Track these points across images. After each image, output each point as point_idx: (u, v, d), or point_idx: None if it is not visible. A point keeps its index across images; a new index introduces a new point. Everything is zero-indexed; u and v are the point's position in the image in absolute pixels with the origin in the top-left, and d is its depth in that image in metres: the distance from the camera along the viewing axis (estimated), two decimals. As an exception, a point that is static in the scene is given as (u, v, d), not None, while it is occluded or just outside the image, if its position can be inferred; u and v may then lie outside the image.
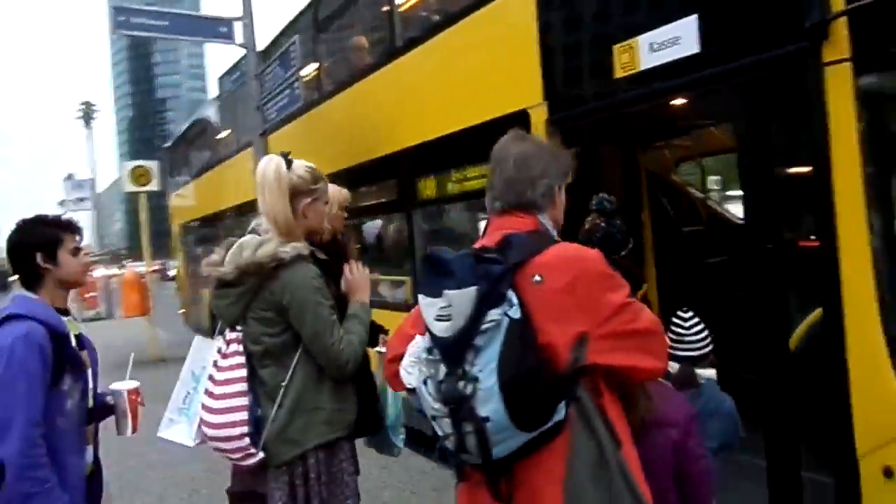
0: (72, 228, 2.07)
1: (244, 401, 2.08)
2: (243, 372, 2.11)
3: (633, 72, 3.11)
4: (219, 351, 2.17)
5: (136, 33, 5.39)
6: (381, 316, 4.62)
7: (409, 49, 4.83)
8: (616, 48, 3.18)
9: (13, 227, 2.05)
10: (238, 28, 5.69)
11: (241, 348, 2.13)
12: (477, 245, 1.59)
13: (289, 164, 2.13)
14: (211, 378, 2.14)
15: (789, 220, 2.67)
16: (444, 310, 1.38)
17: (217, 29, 5.65)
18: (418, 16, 5.13)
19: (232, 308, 2.13)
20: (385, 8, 5.22)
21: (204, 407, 2.12)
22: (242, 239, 2.14)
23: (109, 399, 2.17)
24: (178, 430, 2.24)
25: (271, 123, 5.62)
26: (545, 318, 1.41)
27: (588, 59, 3.45)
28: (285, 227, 2.09)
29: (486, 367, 1.35)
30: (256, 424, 2.08)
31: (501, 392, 1.33)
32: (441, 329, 1.39)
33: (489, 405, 1.34)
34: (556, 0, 3.59)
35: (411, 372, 1.50)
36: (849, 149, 2.33)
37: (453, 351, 1.38)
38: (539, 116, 3.65)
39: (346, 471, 2.14)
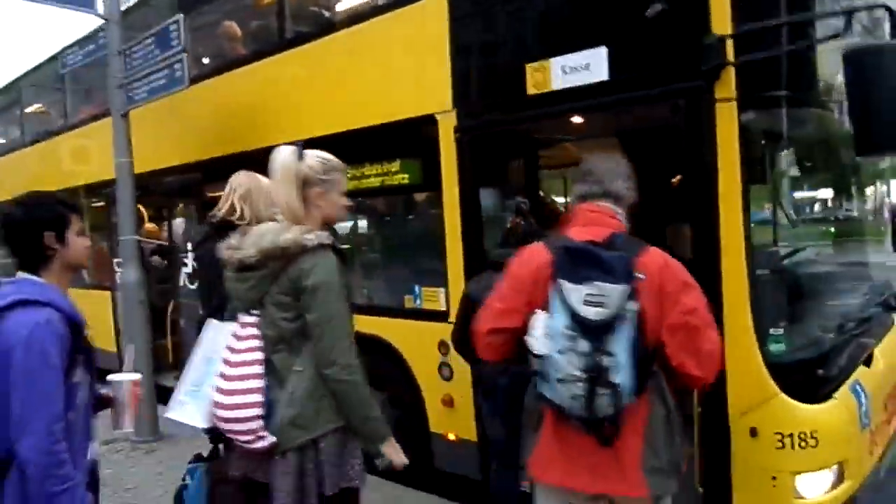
0: (74, 208, 1.94)
1: (259, 383, 2.09)
2: (259, 355, 2.12)
3: (544, 91, 3.47)
4: (234, 334, 2.15)
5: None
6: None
7: (303, 42, 4.82)
8: (529, 67, 3.52)
9: (12, 204, 1.87)
10: (98, -3, 5.22)
11: (257, 332, 2.14)
12: (577, 236, 2.02)
13: (301, 154, 2.17)
14: (226, 361, 2.13)
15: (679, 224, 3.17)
16: (594, 297, 1.77)
17: (78, -4, 5.15)
18: (316, 10, 5.12)
19: (251, 292, 2.14)
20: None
21: (218, 389, 2.10)
22: (263, 225, 2.15)
23: (106, 391, 2.03)
24: (188, 411, 2.21)
25: (136, 103, 5.23)
26: (645, 308, 1.83)
27: (499, 73, 3.74)
28: (292, 216, 2.13)
29: (620, 346, 1.76)
30: (268, 408, 2.08)
31: (633, 366, 1.75)
32: (591, 313, 1.78)
33: (620, 375, 1.76)
34: (468, 15, 3.85)
35: (543, 342, 1.85)
36: (731, 166, 2.87)
37: (599, 331, 1.77)
38: (447, 123, 3.89)
39: (353, 453, 2.19)
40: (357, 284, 4.99)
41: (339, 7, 4.98)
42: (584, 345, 1.77)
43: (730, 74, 2.85)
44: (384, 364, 4.38)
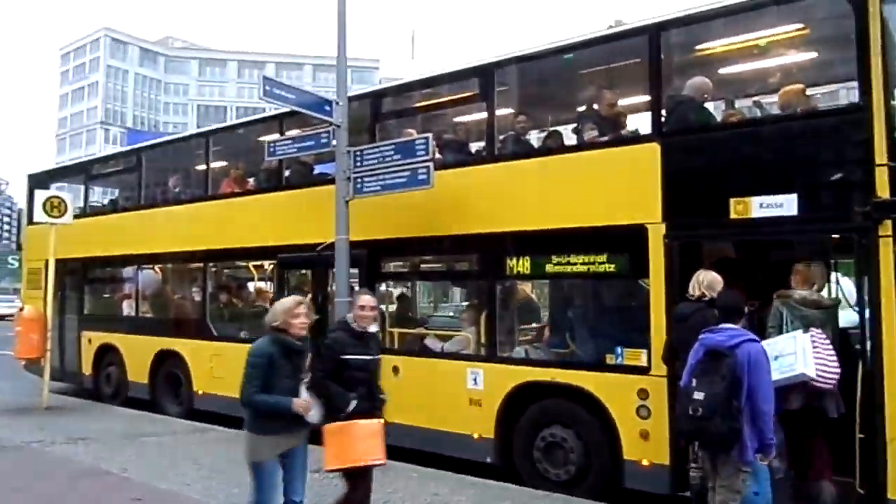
0: None
1: (835, 358, 4.75)
2: (831, 347, 4.80)
3: (745, 217, 5.17)
4: (814, 337, 4.79)
5: (273, 101, 6.05)
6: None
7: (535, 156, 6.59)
8: (732, 200, 5.23)
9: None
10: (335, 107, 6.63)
11: (825, 337, 4.81)
12: None
13: None
14: (815, 347, 4.74)
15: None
16: None
17: (324, 108, 6.51)
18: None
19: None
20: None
21: (818, 359, 4.70)
22: None
23: None
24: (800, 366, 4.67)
25: (364, 195, 6.59)
26: None
27: (706, 201, 5.42)
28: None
29: None
30: None
31: None
32: None
33: None
34: (678, 160, 5.55)
35: None
36: (888, 276, 4.63)
37: None
38: (657, 232, 5.50)
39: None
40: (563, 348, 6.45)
41: (568, 134, 6.68)
42: None
43: (888, 222, 4.65)
44: (575, 406, 5.83)
